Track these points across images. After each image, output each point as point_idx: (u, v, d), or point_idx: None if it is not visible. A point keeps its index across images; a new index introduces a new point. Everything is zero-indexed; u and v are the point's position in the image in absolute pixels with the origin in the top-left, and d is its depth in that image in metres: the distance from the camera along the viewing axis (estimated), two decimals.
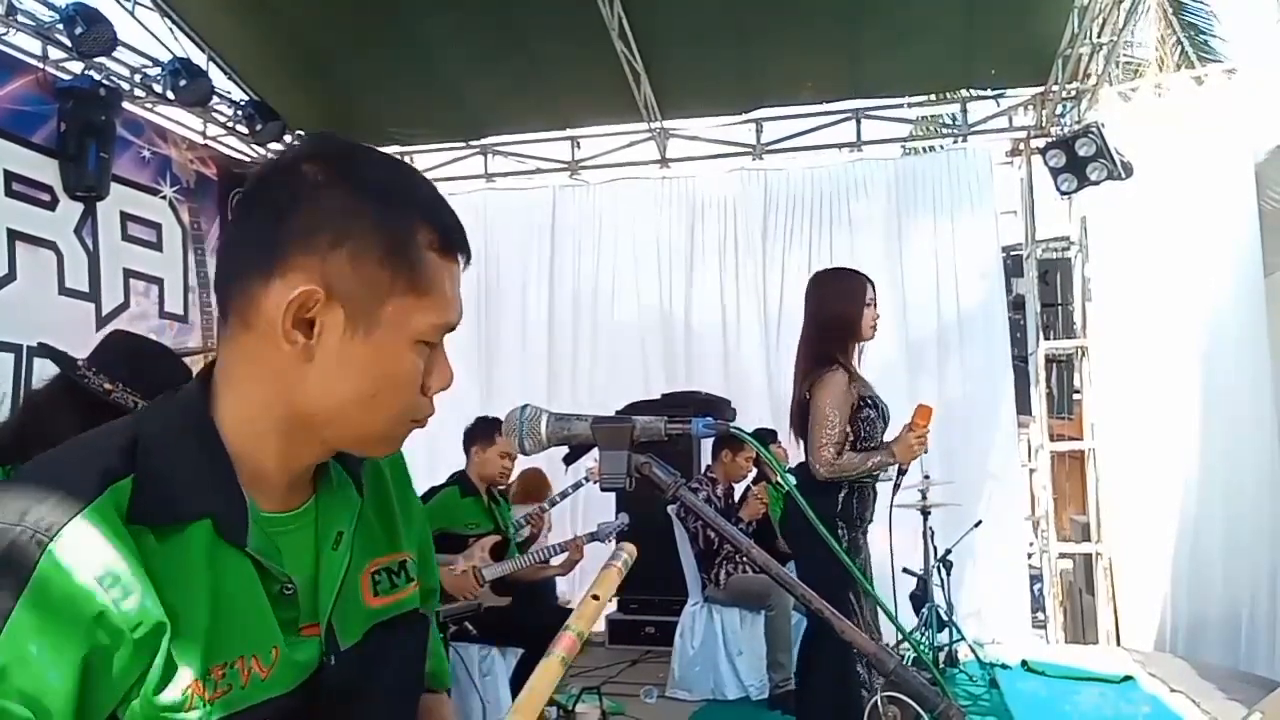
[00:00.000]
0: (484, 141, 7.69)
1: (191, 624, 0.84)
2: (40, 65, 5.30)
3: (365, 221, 0.89)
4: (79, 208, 5.32)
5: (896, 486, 3.44)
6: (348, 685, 0.90)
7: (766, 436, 5.39)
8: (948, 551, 5.65)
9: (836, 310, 3.49)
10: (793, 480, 3.56)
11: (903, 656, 3.14)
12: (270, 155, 7.28)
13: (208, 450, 0.90)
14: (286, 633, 0.91)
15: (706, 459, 6.03)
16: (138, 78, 6.07)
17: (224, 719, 0.85)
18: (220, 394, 0.92)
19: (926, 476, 5.31)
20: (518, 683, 4.29)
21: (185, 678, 0.83)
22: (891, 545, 3.40)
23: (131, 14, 5.98)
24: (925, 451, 3.42)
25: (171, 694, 0.83)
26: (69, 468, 0.86)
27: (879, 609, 3.34)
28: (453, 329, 0.96)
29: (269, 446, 0.93)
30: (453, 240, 0.95)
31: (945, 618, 5.48)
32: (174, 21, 6.18)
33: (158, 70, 6.01)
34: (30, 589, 0.78)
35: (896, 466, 3.42)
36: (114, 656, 0.80)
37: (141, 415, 0.95)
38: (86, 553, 0.80)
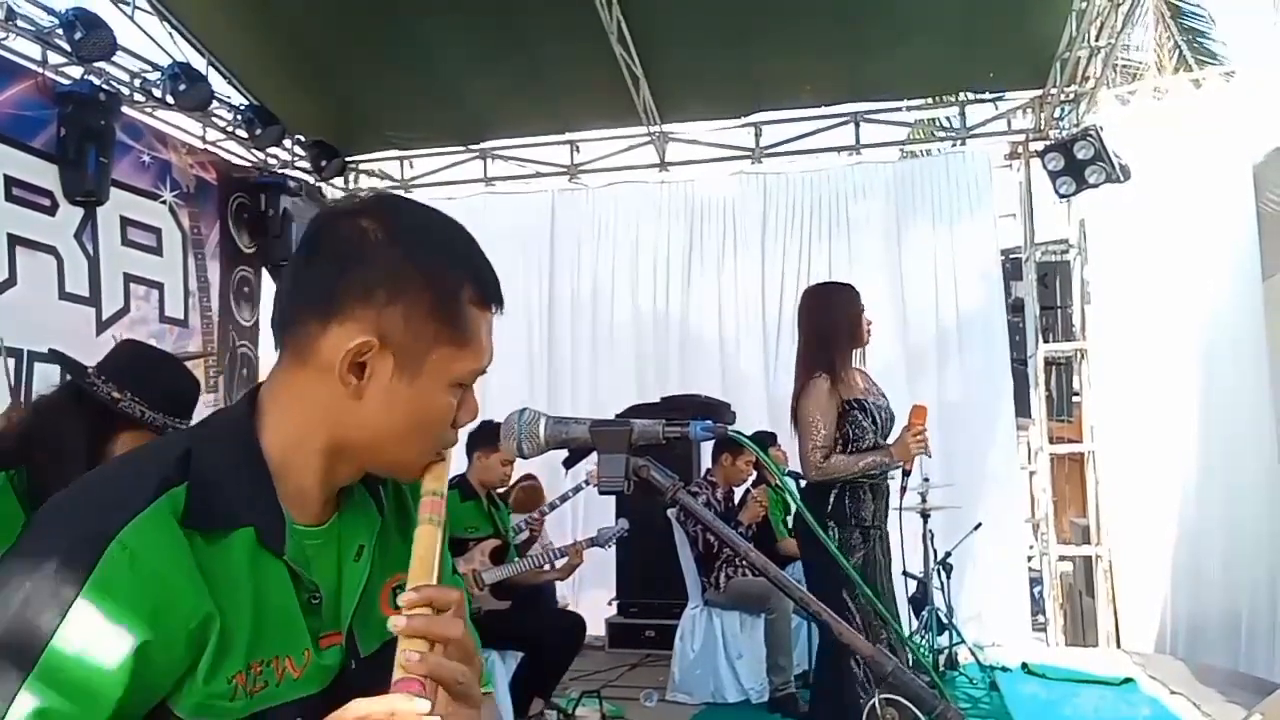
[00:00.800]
0: (483, 145, 7.69)
1: (237, 621, 0.92)
2: (40, 70, 5.29)
3: (417, 281, 0.99)
4: (79, 212, 5.31)
5: (903, 489, 3.52)
6: (369, 690, 0.92)
7: (766, 439, 5.39)
8: (947, 554, 5.65)
9: (833, 321, 3.59)
10: (792, 484, 3.59)
11: (903, 659, 3.14)
12: (270, 159, 7.30)
13: (252, 467, 0.99)
14: (312, 642, 0.99)
15: (705, 462, 6.03)
16: (137, 82, 6.07)
17: (260, 712, 0.94)
18: (267, 414, 1.02)
19: (926, 479, 5.32)
20: (517, 686, 4.29)
21: (231, 670, 0.92)
22: (903, 547, 3.46)
23: (131, 18, 5.98)
24: (926, 452, 3.50)
25: (218, 684, 0.91)
26: (131, 474, 0.96)
27: (878, 609, 3.34)
28: (484, 373, 1.05)
29: (310, 467, 1.02)
30: (491, 295, 1.05)
31: (945, 620, 5.49)
32: (173, 26, 6.18)
33: (157, 75, 6.01)
34: (92, 582, 0.84)
35: (901, 469, 3.48)
36: (169, 646, 0.87)
37: (193, 431, 1.07)
38: (145, 550, 0.87)
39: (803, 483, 3.68)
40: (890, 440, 3.57)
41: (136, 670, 0.85)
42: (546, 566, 4.67)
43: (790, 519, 6.08)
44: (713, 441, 3.49)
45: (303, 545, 1.00)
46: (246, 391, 1.05)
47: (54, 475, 2.06)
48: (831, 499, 3.44)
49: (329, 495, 1.06)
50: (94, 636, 0.84)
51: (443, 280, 1.01)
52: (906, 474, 3.50)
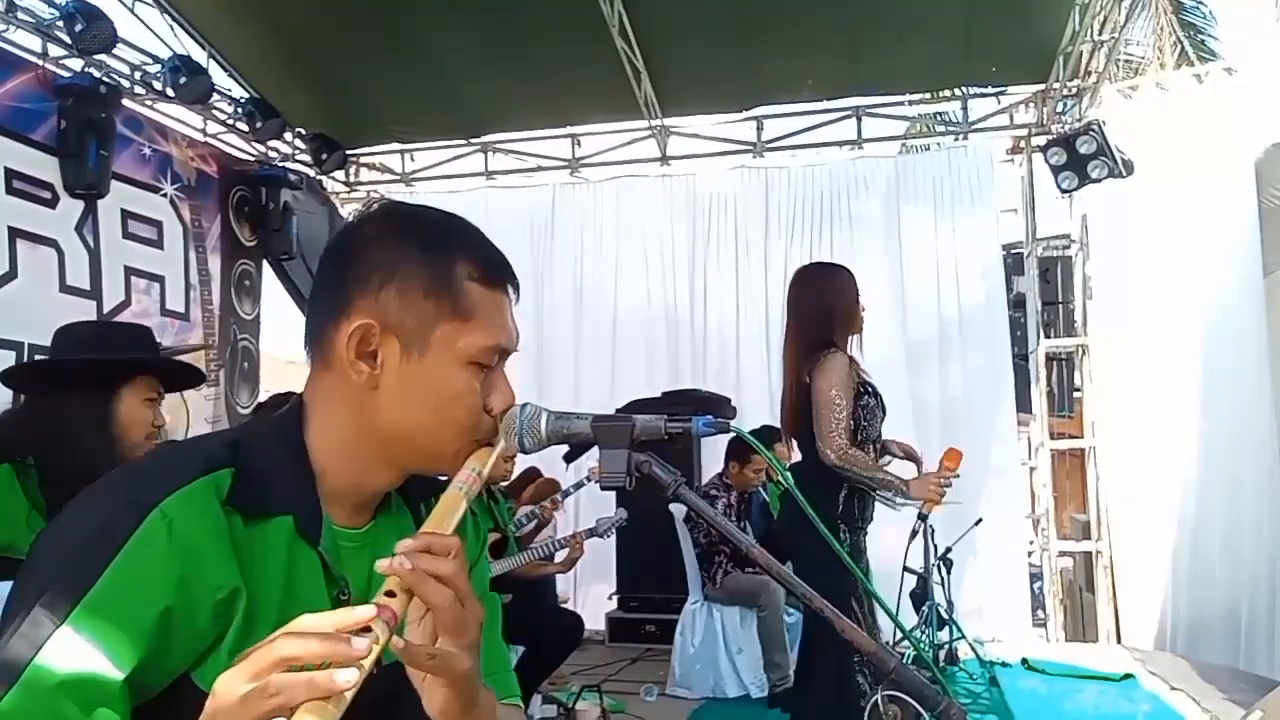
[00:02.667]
0: (484, 139, 7.68)
1: (266, 603, 0.96)
2: (40, 62, 5.28)
3: (409, 260, 1.03)
4: (80, 205, 5.31)
5: (914, 533, 3.36)
6: (391, 695, 0.94)
7: (773, 434, 5.38)
8: (948, 550, 5.65)
9: (831, 304, 3.39)
10: (792, 480, 3.51)
11: (903, 655, 3.13)
12: (271, 152, 7.30)
13: (296, 462, 1.03)
14: None
15: (707, 458, 6.03)
16: (138, 75, 6.06)
17: None
18: (309, 418, 1.06)
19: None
20: (519, 679, 4.28)
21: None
22: (871, 542, 3.37)
23: (131, 11, 5.97)
24: (939, 501, 3.22)
25: None
26: (180, 455, 1.01)
27: (880, 609, 3.31)
28: (507, 353, 1.07)
29: (346, 466, 1.05)
30: (494, 272, 1.07)
31: (945, 616, 5.48)
32: (174, 19, 6.17)
33: (158, 67, 6.01)
34: (130, 546, 0.89)
35: (917, 510, 3.29)
36: (194, 614, 0.91)
37: (246, 425, 1.13)
38: (183, 519, 0.92)
39: (795, 476, 3.56)
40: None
41: (160, 630, 0.89)
42: (555, 557, 4.67)
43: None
44: (713, 437, 3.38)
45: (337, 543, 1.03)
46: (298, 395, 1.09)
47: (77, 454, 2.16)
48: (841, 500, 3.25)
49: (366, 500, 1.09)
50: (125, 596, 0.87)
51: (437, 258, 1.03)
52: (923, 517, 3.30)
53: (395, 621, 0.81)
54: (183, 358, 2.53)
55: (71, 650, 0.84)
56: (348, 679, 0.73)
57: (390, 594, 0.83)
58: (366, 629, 0.78)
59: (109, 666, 0.86)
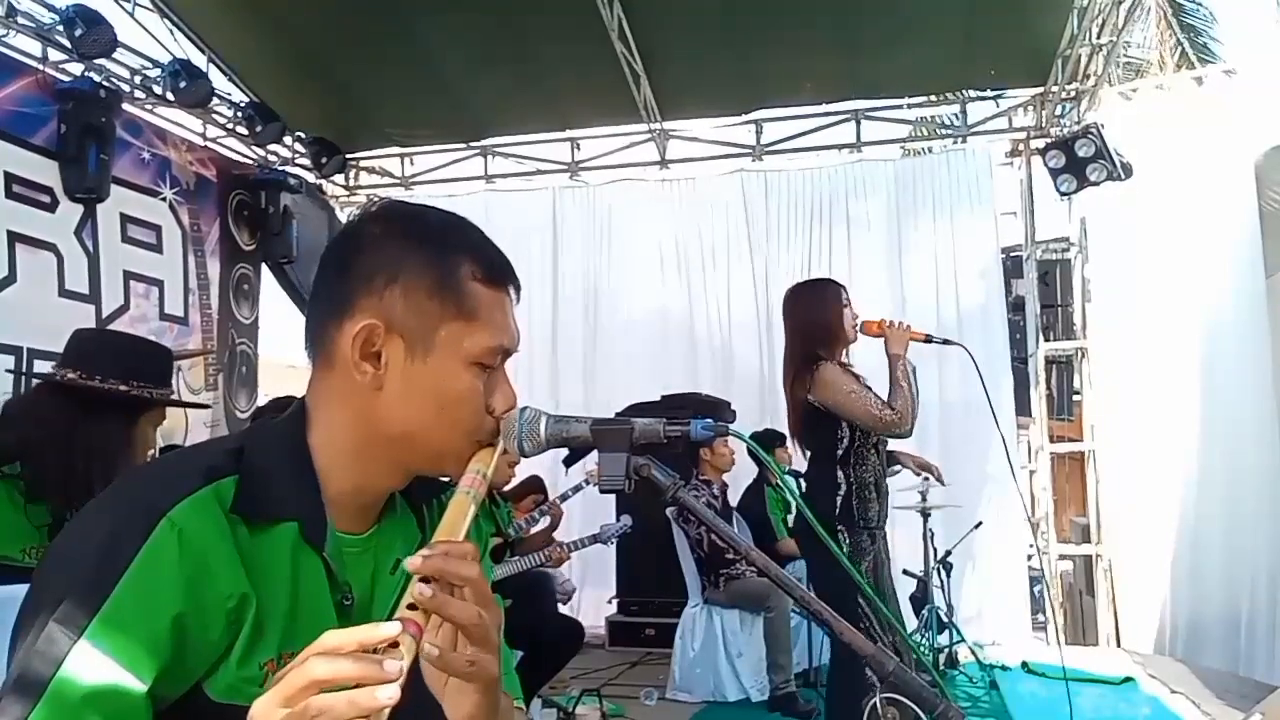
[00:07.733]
0: (484, 143, 7.69)
1: (273, 609, 0.96)
2: (40, 67, 5.29)
3: (414, 260, 1.02)
4: (79, 209, 5.31)
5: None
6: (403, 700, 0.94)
7: (775, 438, 5.38)
8: (948, 553, 5.65)
9: (814, 318, 3.50)
10: (793, 483, 3.54)
11: (908, 662, 3.13)
12: (271, 156, 7.30)
13: (300, 467, 1.03)
14: None
15: None
16: (138, 79, 6.07)
17: None
18: (312, 421, 1.06)
19: (926, 479, 5.29)
20: (519, 683, 4.27)
21: (263, 655, 0.95)
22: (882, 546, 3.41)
23: (131, 15, 5.97)
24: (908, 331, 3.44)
25: (250, 668, 0.94)
26: (183, 464, 1.00)
27: (881, 610, 3.31)
28: (509, 353, 1.07)
29: (349, 469, 1.04)
30: (496, 273, 1.06)
31: (945, 619, 5.48)
32: (174, 23, 6.18)
33: (157, 72, 6.02)
34: (141, 556, 0.89)
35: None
36: (206, 623, 0.91)
37: (250, 431, 1.12)
38: (191, 529, 0.92)
39: (804, 484, 3.63)
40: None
41: (175, 641, 0.89)
42: (543, 559, 4.66)
43: (791, 518, 6.07)
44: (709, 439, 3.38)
45: (341, 549, 1.03)
46: (301, 397, 1.09)
47: (107, 476, 2.13)
48: (839, 502, 3.32)
49: (369, 502, 1.08)
50: (140, 607, 0.88)
51: (441, 258, 1.03)
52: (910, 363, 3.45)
53: (420, 635, 0.82)
54: (185, 368, 2.53)
55: (93, 664, 0.85)
56: (390, 695, 0.73)
57: (411, 607, 0.83)
58: (394, 644, 0.77)
59: (131, 679, 0.86)
